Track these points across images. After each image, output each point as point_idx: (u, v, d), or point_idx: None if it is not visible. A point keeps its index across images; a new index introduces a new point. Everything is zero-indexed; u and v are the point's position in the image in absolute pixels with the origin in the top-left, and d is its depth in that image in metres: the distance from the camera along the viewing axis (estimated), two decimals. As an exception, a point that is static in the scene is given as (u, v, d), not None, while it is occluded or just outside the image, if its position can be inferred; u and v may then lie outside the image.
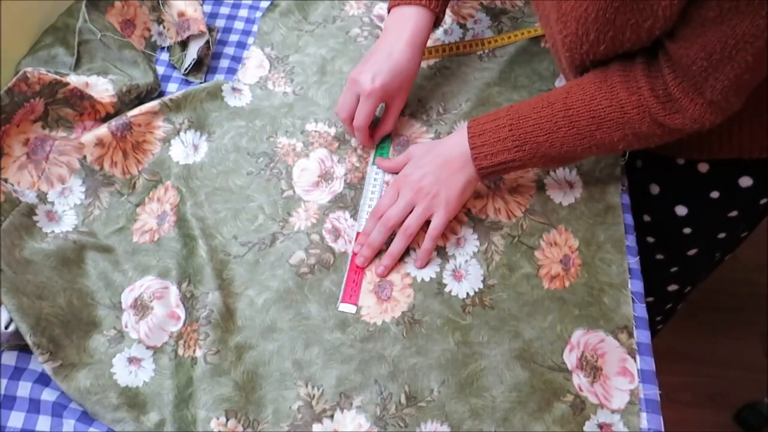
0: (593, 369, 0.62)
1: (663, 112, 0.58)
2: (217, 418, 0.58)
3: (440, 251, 0.68)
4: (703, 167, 0.76)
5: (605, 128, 0.61)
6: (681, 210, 0.81)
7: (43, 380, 0.59)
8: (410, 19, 0.71)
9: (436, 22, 0.73)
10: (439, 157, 0.67)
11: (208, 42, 0.81)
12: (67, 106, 0.71)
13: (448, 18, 0.87)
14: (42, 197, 0.68)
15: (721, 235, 0.84)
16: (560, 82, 0.81)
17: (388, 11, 0.74)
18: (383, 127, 0.75)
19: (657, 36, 0.56)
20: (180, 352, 0.61)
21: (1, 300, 0.58)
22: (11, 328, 0.58)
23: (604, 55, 0.60)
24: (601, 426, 0.59)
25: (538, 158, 0.64)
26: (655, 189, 0.83)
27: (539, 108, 0.63)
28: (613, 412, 0.60)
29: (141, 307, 0.64)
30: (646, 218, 0.86)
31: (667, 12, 0.52)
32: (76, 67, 0.77)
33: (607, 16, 0.55)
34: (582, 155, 0.65)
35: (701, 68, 0.54)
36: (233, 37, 0.87)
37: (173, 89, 0.81)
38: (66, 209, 0.69)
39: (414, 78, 0.73)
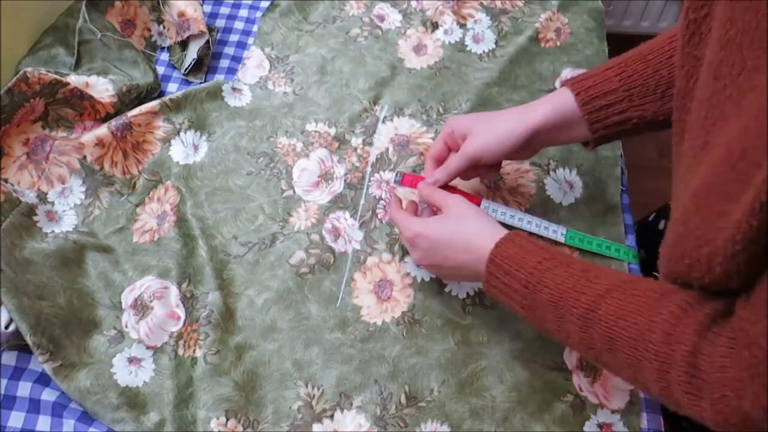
0: (593, 369, 0.62)
1: (684, 387, 0.42)
2: (217, 418, 0.58)
3: (440, 251, 0.68)
4: None
5: (617, 352, 0.47)
6: None
7: (43, 380, 0.59)
8: (550, 95, 0.62)
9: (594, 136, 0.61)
10: (451, 261, 0.58)
11: (208, 42, 0.81)
12: (67, 106, 0.71)
13: (448, 18, 0.87)
14: (42, 197, 0.68)
15: None
16: (560, 83, 0.81)
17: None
18: (437, 171, 0.64)
19: (720, 277, 0.40)
20: (180, 352, 0.61)
21: (1, 300, 0.58)
22: (11, 328, 0.58)
23: (686, 277, 0.44)
24: (601, 426, 0.59)
25: (540, 329, 0.54)
26: None
27: (567, 286, 0.50)
28: (613, 412, 0.60)
29: (141, 307, 0.64)
30: None
31: (729, 245, 0.37)
32: (76, 67, 0.77)
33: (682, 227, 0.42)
34: (588, 359, 0.54)
35: (756, 359, 0.37)
36: (233, 37, 0.87)
37: (173, 89, 0.81)
38: (66, 209, 0.69)
39: (497, 134, 0.61)
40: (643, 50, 0.59)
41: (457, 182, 0.66)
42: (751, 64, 0.38)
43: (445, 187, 0.64)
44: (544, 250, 0.53)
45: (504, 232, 0.56)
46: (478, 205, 0.65)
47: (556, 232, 0.67)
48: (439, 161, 0.65)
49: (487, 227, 0.57)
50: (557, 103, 0.60)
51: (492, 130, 0.61)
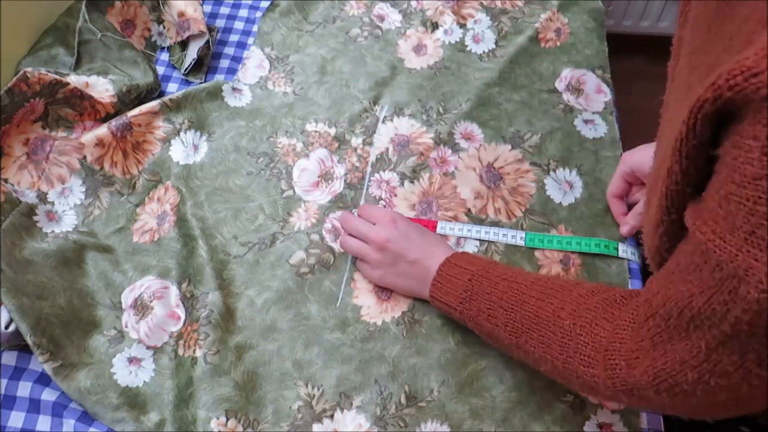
0: (593, 369, 0.62)
1: (582, 357, 0.47)
2: (217, 418, 0.58)
3: (440, 251, 0.68)
4: None
5: (533, 332, 0.51)
6: None
7: (43, 380, 0.59)
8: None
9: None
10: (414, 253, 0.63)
11: (208, 42, 0.81)
12: (67, 106, 0.71)
13: (448, 18, 0.87)
14: (42, 197, 0.68)
15: None
16: (560, 83, 0.81)
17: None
18: (629, 216, 0.69)
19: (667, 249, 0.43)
20: (180, 352, 0.61)
21: (1, 300, 0.58)
22: (11, 328, 0.58)
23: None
24: (601, 426, 0.59)
25: (476, 326, 0.57)
26: None
27: (509, 277, 0.56)
28: (613, 412, 0.60)
29: (141, 307, 0.64)
30: None
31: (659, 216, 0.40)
32: (76, 67, 0.77)
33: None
34: (516, 356, 0.56)
35: (658, 328, 0.41)
36: (233, 37, 0.87)
37: (173, 89, 0.81)
38: (66, 209, 0.69)
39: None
40: None
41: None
42: (699, 42, 0.41)
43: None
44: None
45: (451, 251, 0.62)
46: (434, 228, 0.69)
47: (515, 237, 0.69)
48: (622, 197, 0.70)
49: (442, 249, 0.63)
50: None
51: None
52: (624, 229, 0.69)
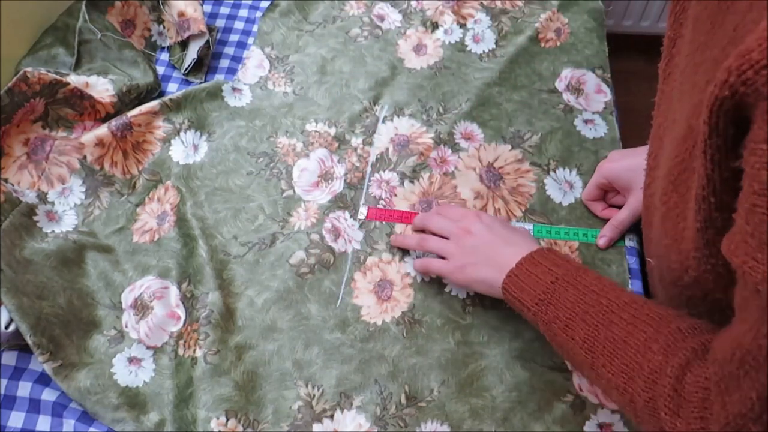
0: (593, 369, 0.62)
1: (666, 400, 0.42)
2: (217, 418, 0.58)
3: (440, 251, 0.68)
4: None
5: (614, 357, 0.47)
6: None
7: (43, 380, 0.59)
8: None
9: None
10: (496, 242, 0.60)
11: (208, 42, 0.81)
12: (67, 106, 0.71)
13: (448, 18, 0.87)
14: (42, 197, 0.68)
15: None
16: (560, 83, 0.81)
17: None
18: (608, 226, 0.68)
19: (693, 263, 0.42)
20: (180, 352, 0.61)
21: (1, 300, 0.58)
22: (11, 328, 0.58)
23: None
24: (601, 426, 0.59)
25: (548, 332, 0.53)
26: None
27: (599, 290, 0.51)
28: (613, 412, 0.60)
29: (141, 307, 0.64)
30: None
31: (692, 219, 0.39)
32: (76, 67, 0.77)
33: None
34: (587, 376, 0.52)
35: (716, 376, 0.38)
36: (233, 37, 0.87)
37: (173, 89, 0.81)
38: (66, 209, 0.69)
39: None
40: None
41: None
42: (703, 38, 0.40)
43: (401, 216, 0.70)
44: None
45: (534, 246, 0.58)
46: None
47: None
48: (597, 201, 0.70)
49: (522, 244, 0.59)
50: None
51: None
52: (601, 242, 0.68)
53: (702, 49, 0.40)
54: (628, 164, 0.65)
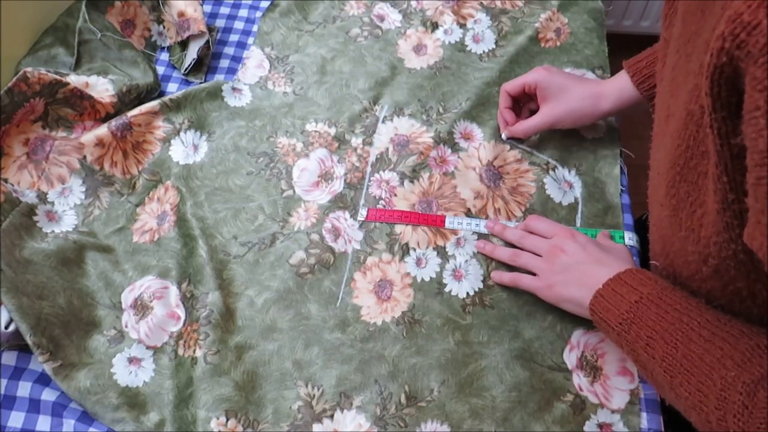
0: (593, 369, 0.62)
1: (737, 415, 0.41)
2: (217, 418, 0.58)
3: (440, 251, 0.68)
4: None
5: (692, 375, 0.46)
6: None
7: (43, 380, 0.59)
8: (616, 79, 0.70)
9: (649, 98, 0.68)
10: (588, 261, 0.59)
11: (208, 42, 0.81)
12: (67, 106, 0.71)
13: (448, 18, 0.87)
14: (42, 197, 0.68)
15: None
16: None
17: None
18: (517, 124, 0.74)
19: (714, 251, 0.41)
20: (180, 352, 0.61)
21: (1, 300, 0.58)
22: (11, 328, 0.58)
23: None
24: (601, 426, 0.59)
25: (632, 352, 0.52)
26: None
27: (681, 308, 0.49)
28: (613, 411, 0.60)
29: (141, 307, 0.64)
30: None
31: (712, 203, 0.39)
32: (76, 67, 0.77)
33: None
34: (669, 398, 0.50)
35: None
36: (233, 37, 0.87)
37: (173, 89, 0.81)
38: (66, 209, 0.69)
39: (573, 108, 0.71)
40: None
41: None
42: (694, 28, 0.40)
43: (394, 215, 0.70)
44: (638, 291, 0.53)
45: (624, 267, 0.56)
46: (443, 222, 0.70)
47: None
48: (510, 102, 0.74)
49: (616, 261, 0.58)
50: (623, 87, 0.68)
51: (570, 103, 0.70)
52: (504, 134, 0.75)
53: (693, 39, 0.40)
54: (568, 83, 0.71)
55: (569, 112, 0.70)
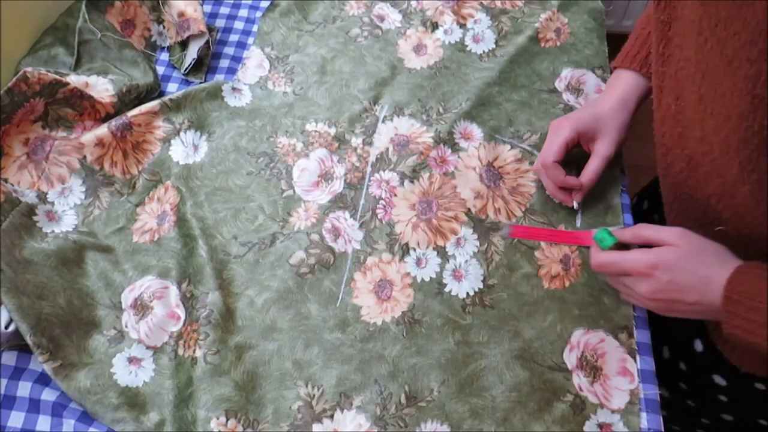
0: (593, 369, 0.62)
1: None
2: (217, 418, 0.58)
3: (440, 251, 0.68)
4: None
5: None
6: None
7: (43, 380, 0.59)
8: (623, 80, 0.69)
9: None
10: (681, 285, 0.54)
11: (208, 42, 0.81)
12: (67, 106, 0.71)
13: (448, 18, 0.87)
14: (42, 197, 0.68)
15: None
16: (559, 83, 0.81)
17: (611, 71, 0.72)
18: (583, 176, 0.67)
19: (720, 155, 0.46)
20: (180, 352, 0.61)
21: (1, 300, 0.58)
22: (11, 328, 0.58)
23: None
24: (601, 426, 0.59)
25: None
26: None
27: None
28: (613, 411, 0.60)
29: (141, 307, 0.64)
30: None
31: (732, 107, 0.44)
32: (76, 67, 0.77)
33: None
34: None
35: None
36: (233, 37, 0.87)
37: (173, 89, 0.81)
38: (66, 209, 0.69)
39: (618, 128, 0.67)
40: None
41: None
42: (725, 14, 0.43)
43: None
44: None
45: (737, 263, 0.51)
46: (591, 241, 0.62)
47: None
48: (562, 171, 0.68)
49: (722, 258, 0.53)
50: (628, 83, 0.68)
51: (613, 125, 0.68)
52: (576, 198, 0.68)
53: (726, 24, 0.42)
54: (595, 112, 0.68)
55: (617, 134, 0.67)
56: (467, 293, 0.66)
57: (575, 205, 0.69)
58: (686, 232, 0.55)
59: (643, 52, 0.67)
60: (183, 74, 0.81)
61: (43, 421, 0.58)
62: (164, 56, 0.84)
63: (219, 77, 0.82)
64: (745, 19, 0.41)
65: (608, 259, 0.58)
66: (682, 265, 0.53)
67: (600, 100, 0.70)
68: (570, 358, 0.62)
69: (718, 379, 0.67)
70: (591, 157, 0.68)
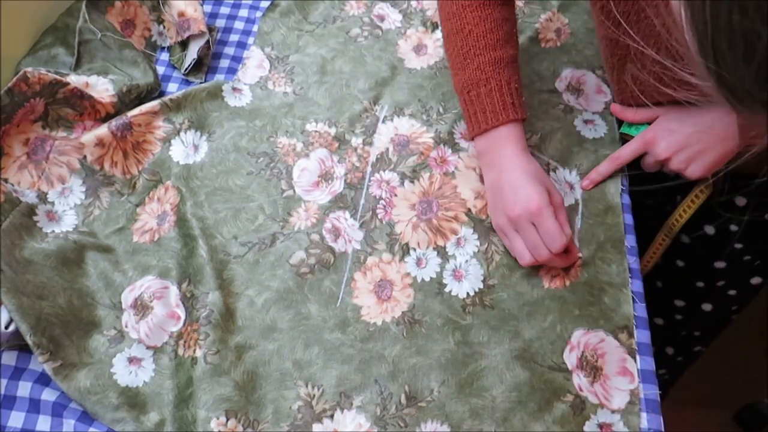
0: (593, 369, 0.62)
1: None
2: (217, 418, 0.58)
3: (440, 251, 0.68)
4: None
5: None
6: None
7: (43, 380, 0.59)
8: (508, 137, 0.66)
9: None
10: (687, 134, 0.66)
11: (208, 42, 0.81)
12: (67, 106, 0.71)
13: (448, 18, 0.87)
14: (42, 197, 0.68)
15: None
16: (560, 83, 0.81)
17: (473, 138, 0.69)
18: (564, 230, 0.65)
19: None
20: (180, 352, 0.61)
21: (1, 300, 0.58)
22: (11, 328, 0.58)
23: None
24: (601, 426, 0.59)
25: None
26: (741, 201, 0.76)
27: None
28: (613, 412, 0.60)
29: (141, 307, 0.64)
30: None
31: None
32: (76, 67, 0.77)
33: None
34: None
35: None
36: (233, 37, 0.87)
37: (173, 89, 0.81)
38: (66, 209, 0.69)
39: (545, 174, 0.68)
40: None
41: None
42: None
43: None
44: None
45: None
46: None
47: None
48: None
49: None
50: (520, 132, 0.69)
51: (549, 182, 0.68)
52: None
53: None
54: (537, 178, 0.65)
55: (552, 185, 0.68)
56: (467, 293, 0.66)
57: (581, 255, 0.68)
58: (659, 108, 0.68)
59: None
60: (183, 74, 0.81)
61: (43, 421, 0.58)
62: (164, 56, 0.84)
63: (219, 77, 0.82)
64: None
65: (618, 151, 0.71)
66: (675, 117, 0.67)
67: (512, 166, 0.65)
68: (570, 358, 0.62)
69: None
70: (555, 211, 0.65)
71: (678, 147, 0.66)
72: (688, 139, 0.65)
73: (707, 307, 0.86)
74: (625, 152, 0.71)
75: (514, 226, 0.65)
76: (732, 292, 0.84)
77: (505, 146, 0.66)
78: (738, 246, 0.77)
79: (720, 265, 0.80)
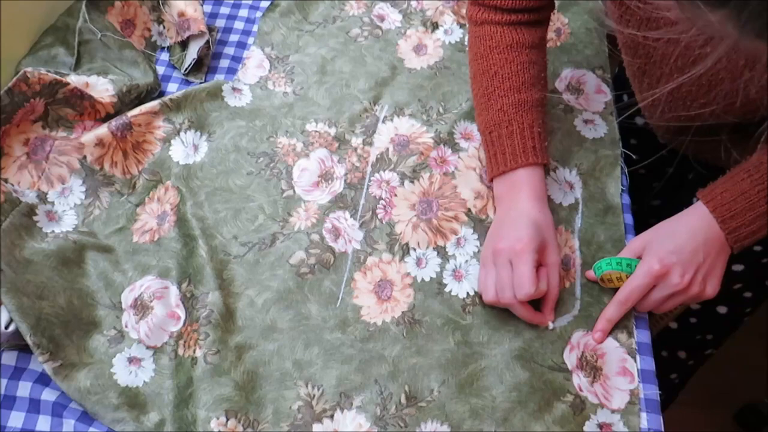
0: (593, 369, 0.62)
1: None
2: (217, 418, 0.58)
3: (440, 251, 0.68)
4: None
5: None
6: None
7: (43, 380, 0.59)
8: (524, 181, 0.65)
9: (546, 170, 0.68)
10: (690, 253, 0.60)
11: (208, 42, 0.81)
12: (67, 106, 0.71)
13: (448, 18, 0.87)
14: (42, 197, 0.68)
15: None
16: (560, 83, 0.81)
17: (491, 180, 0.69)
18: (551, 291, 0.63)
19: None
20: (180, 352, 0.61)
21: (1, 300, 0.58)
22: (11, 328, 0.58)
23: None
24: (601, 426, 0.59)
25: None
26: None
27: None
28: (613, 411, 0.60)
29: (141, 307, 0.64)
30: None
31: None
32: (76, 67, 0.77)
33: None
34: None
35: None
36: (233, 37, 0.87)
37: (173, 89, 0.81)
38: (66, 209, 0.69)
39: (553, 230, 0.65)
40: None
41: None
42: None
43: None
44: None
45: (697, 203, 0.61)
46: None
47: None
48: None
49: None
50: (538, 177, 0.67)
51: (550, 233, 0.65)
52: (551, 317, 0.64)
53: None
54: (532, 223, 0.63)
55: (555, 236, 0.65)
56: (467, 293, 0.66)
57: (550, 325, 0.63)
58: (645, 233, 0.63)
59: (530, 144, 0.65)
60: (183, 74, 0.81)
61: (43, 421, 0.58)
62: (164, 56, 0.84)
63: (219, 77, 0.82)
64: None
65: (624, 291, 0.62)
66: (667, 239, 0.61)
67: (520, 207, 0.65)
68: (570, 359, 0.62)
69: None
70: (546, 268, 0.63)
71: (693, 269, 0.59)
72: (694, 257, 0.59)
73: (722, 309, 0.85)
74: (633, 293, 0.61)
75: (493, 260, 0.63)
76: (748, 294, 0.82)
77: (521, 190, 0.65)
78: (757, 248, 0.75)
79: (738, 268, 0.78)
